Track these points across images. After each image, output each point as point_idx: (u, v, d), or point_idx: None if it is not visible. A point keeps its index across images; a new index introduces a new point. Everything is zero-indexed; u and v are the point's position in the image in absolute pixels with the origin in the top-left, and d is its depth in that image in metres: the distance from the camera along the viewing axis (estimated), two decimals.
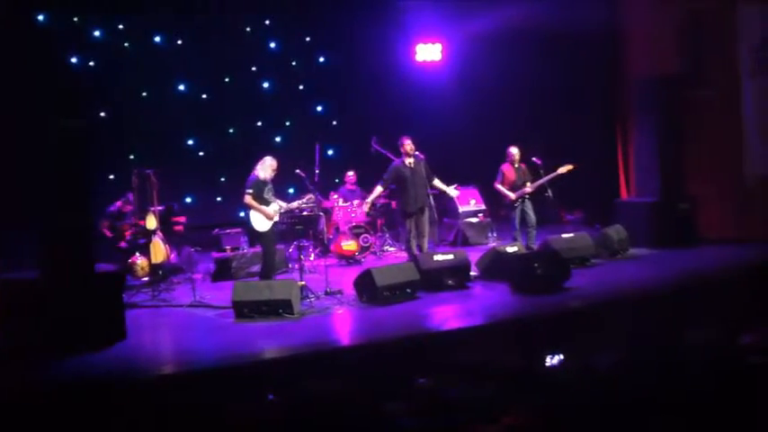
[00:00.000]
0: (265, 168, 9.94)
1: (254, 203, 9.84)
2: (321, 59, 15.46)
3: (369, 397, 4.93)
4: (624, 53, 13.66)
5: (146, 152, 13.06)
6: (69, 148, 7.70)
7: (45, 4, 12.37)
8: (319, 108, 15.50)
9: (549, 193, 11.54)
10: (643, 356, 5.54)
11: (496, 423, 4.36)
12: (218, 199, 14.50)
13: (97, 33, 13.27)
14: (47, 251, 7.70)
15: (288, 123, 15.03)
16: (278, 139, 14.74)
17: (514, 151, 11.80)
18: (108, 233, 11.17)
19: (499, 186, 11.74)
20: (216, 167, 14.31)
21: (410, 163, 10.60)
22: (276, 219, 9.91)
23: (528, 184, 11.62)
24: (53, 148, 7.67)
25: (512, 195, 11.58)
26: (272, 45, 14.99)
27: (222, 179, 14.30)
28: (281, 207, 9.95)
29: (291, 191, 13.65)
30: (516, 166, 11.76)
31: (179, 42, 14.05)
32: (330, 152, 14.94)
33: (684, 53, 12.52)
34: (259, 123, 14.92)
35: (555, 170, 11.46)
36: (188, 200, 14.08)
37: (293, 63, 15.21)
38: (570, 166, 11.41)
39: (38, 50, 11.85)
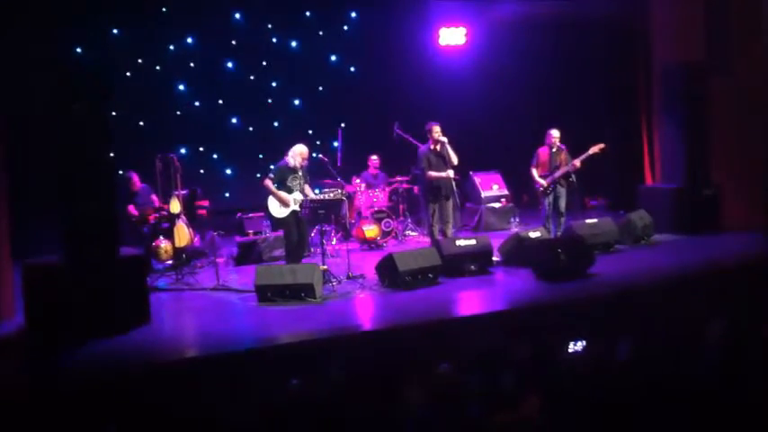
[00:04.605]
0: (294, 156, 9.95)
1: (271, 188, 9.85)
2: (345, 40, 15.36)
3: (388, 383, 4.95)
4: (650, 40, 13.46)
5: (169, 137, 13.17)
6: (87, 133, 7.70)
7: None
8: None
9: (573, 178, 11.27)
10: (663, 344, 5.51)
11: (515, 411, 4.37)
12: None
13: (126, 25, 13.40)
14: (70, 236, 7.72)
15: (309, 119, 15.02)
16: (299, 125, 14.72)
17: (555, 134, 11.24)
18: (135, 213, 11.23)
19: (533, 171, 11.37)
20: (241, 152, 14.40)
21: (436, 149, 10.58)
22: (295, 207, 9.89)
23: (569, 163, 11.20)
24: (70, 132, 7.69)
25: (543, 183, 11.21)
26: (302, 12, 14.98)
27: (245, 164, 14.38)
28: (305, 198, 9.89)
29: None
30: (554, 149, 11.28)
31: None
32: (352, 137, 14.90)
33: (711, 40, 12.34)
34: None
35: (587, 150, 11.12)
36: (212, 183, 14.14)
37: (318, 34, 15.20)
38: (602, 145, 11.09)
39: (48, 37, 11.84)
